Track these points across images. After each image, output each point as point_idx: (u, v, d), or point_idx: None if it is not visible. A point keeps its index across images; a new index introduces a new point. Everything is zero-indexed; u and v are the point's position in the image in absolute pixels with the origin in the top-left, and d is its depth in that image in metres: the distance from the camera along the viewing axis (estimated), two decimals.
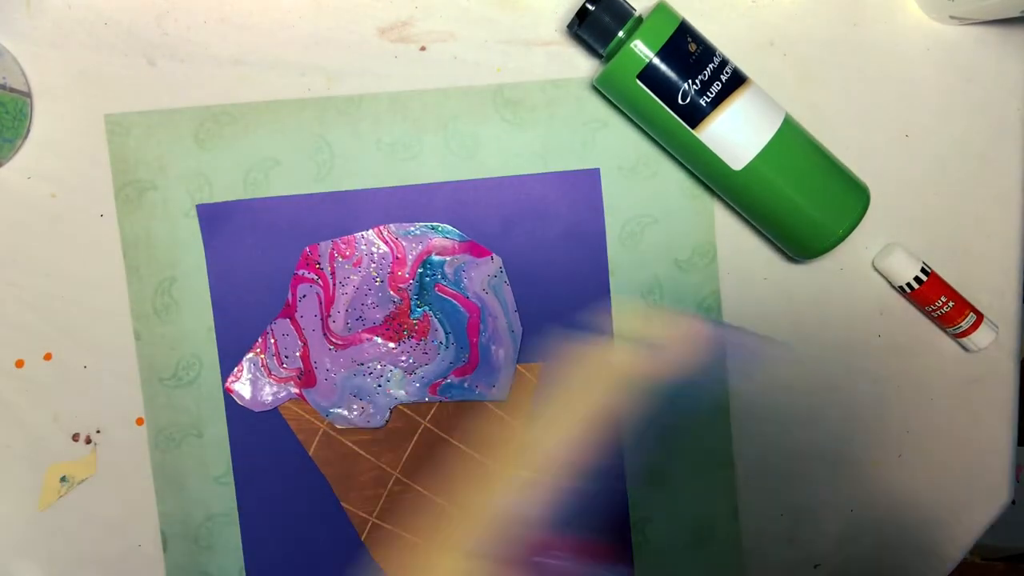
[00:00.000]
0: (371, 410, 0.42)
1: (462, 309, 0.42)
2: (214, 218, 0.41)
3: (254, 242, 0.41)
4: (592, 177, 0.43)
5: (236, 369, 0.41)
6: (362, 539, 0.42)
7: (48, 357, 0.41)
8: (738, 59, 0.40)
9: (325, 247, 0.41)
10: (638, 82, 0.38)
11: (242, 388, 0.41)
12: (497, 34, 0.42)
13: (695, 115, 0.38)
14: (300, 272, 0.42)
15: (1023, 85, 0.45)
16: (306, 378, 0.42)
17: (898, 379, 0.46)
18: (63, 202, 0.41)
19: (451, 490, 0.42)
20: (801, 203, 0.39)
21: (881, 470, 0.46)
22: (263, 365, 0.42)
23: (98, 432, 0.41)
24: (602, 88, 0.41)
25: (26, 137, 0.40)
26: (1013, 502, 0.47)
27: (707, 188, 0.43)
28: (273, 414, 0.42)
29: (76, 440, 0.41)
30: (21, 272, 0.41)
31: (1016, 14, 0.40)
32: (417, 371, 0.42)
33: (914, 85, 0.44)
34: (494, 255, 0.42)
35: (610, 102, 0.42)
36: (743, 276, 0.44)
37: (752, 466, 0.45)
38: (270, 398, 0.42)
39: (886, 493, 0.46)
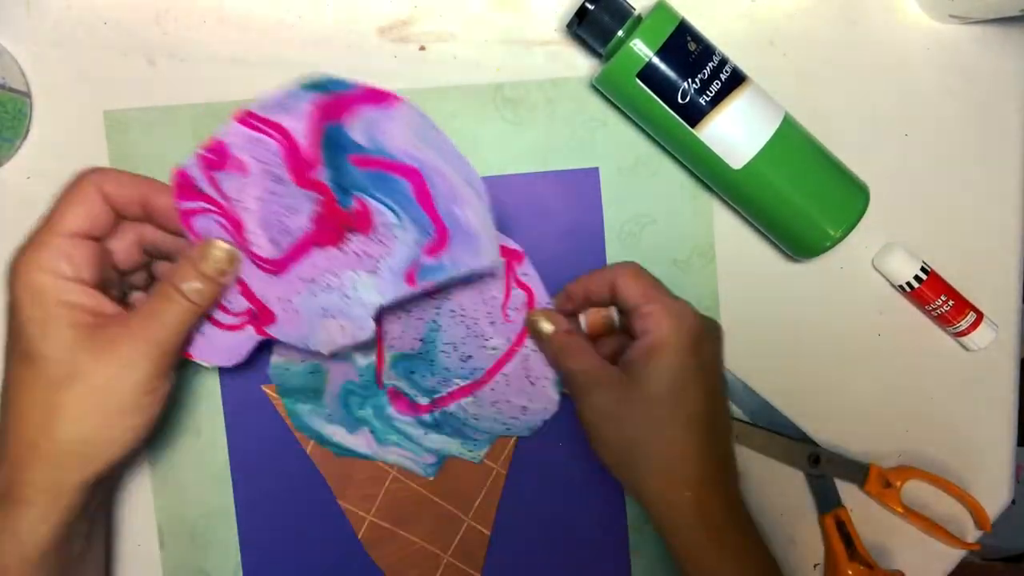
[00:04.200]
0: (353, 327, 0.35)
1: (397, 176, 0.33)
2: None
3: None
4: (591, 176, 0.43)
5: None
6: (359, 537, 0.42)
7: None
8: (738, 59, 0.40)
9: (192, 165, 0.33)
10: (638, 81, 0.38)
11: (199, 350, 0.35)
12: (497, 34, 0.42)
13: (695, 114, 0.38)
14: (184, 205, 0.34)
15: (1023, 85, 0.45)
16: (262, 316, 0.35)
17: (898, 379, 0.46)
18: None
19: (447, 487, 0.42)
20: (801, 202, 0.39)
21: None
22: (208, 318, 0.35)
23: None
24: (602, 87, 0.41)
25: (26, 137, 0.40)
26: (1013, 502, 0.47)
27: (707, 188, 0.43)
28: (271, 412, 0.42)
29: None
30: None
31: (1016, 13, 0.40)
32: (381, 267, 0.35)
33: (914, 85, 0.44)
34: (396, 95, 0.32)
35: (610, 101, 0.42)
36: (742, 276, 0.44)
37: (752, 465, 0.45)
38: (237, 348, 0.36)
39: None
